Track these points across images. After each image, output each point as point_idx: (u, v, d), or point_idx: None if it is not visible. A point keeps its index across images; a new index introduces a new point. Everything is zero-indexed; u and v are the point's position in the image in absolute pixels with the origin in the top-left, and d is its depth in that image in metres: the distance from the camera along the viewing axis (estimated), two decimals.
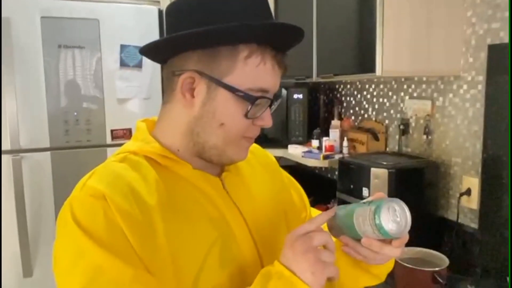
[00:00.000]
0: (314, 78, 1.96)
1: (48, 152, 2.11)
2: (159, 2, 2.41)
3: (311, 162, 2.07)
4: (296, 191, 0.91)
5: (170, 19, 0.69)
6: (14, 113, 2.03)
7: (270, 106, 0.68)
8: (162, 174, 0.67)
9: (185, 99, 0.67)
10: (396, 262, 1.22)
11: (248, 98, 0.64)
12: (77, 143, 2.12)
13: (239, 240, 0.69)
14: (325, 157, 2.03)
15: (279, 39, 0.66)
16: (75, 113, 2.13)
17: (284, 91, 2.38)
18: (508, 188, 1.35)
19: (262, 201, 0.77)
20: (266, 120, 0.68)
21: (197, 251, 0.64)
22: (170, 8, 0.69)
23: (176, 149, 0.69)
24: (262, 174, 0.83)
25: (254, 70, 0.64)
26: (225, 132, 0.67)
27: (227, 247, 0.67)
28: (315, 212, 0.93)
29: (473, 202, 1.50)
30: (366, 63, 1.55)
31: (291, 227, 0.83)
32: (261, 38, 0.64)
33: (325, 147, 2.14)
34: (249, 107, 0.64)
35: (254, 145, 0.90)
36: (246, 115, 0.65)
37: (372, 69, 1.49)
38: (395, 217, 0.59)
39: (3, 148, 2.04)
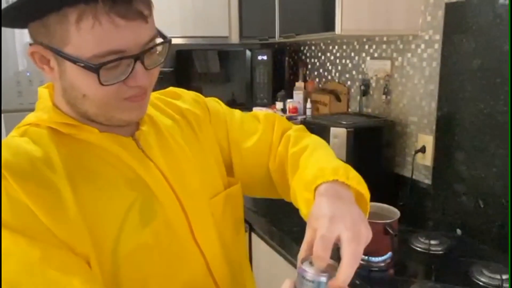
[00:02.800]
0: (277, 38, 1.93)
1: (1, 115, 2.04)
2: None
3: None
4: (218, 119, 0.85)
5: None
6: None
7: (142, 61, 0.59)
8: (67, 144, 0.63)
9: (45, 72, 0.62)
10: None
11: (90, 68, 0.56)
12: (30, 105, 2.03)
13: (159, 197, 0.68)
14: (289, 119, 2.03)
15: None
16: (28, 73, 2.04)
17: (248, 53, 2.36)
18: (459, 146, 1.41)
19: (183, 154, 0.74)
20: (138, 79, 0.60)
21: (114, 214, 0.63)
22: None
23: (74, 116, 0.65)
24: (184, 125, 0.79)
25: (91, 33, 0.55)
26: (92, 101, 0.61)
27: (148, 206, 0.66)
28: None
29: (427, 159, 1.55)
30: (327, 22, 1.54)
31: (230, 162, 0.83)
32: None
33: (289, 109, 2.16)
34: (97, 76, 0.57)
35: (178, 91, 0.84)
36: (102, 84, 0.57)
37: (332, 28, 1.49)
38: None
39: None
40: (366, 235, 0.57)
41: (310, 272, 0.53)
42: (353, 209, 0.61)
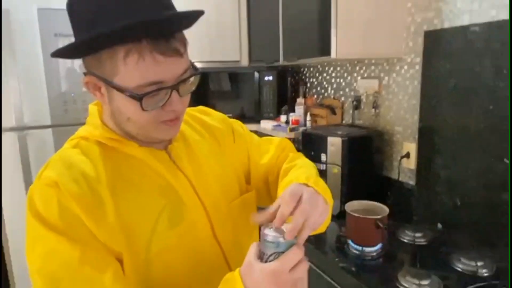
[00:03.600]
0: (281, 62, 1.97)
1: (50, 129, 2.10)
2: None
3: (280, 134, 2.11)
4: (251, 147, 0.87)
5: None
6: (17, 95, 1.99)
7: (177, 90, 0.61)
8: (111, 156, 0.66)
9: (97, 97, 0.64)
10: (346, 212, 1.29)
11: (134, 97, 0.58)
12: (75, 120, 2.11)
13: (186, 202, 0.69)
14: (291, 130, 2.07)
15: (152, 31, 0.56)
16: (73, 94, 2.10)
17: (256, 74, 2.39)
18: (439, 152, 1.42)
19: (208, 165, 0.76)
20: (174, 105, 0.61)
21: (148, 218, 0.65)
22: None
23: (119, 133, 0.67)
24: (210, 139, 0.81)
25: (135, 67, 0.56)
26: (134, 123, 0.63)
27: (176, 210, 0.68)
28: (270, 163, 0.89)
29: (411, 163, 1.56)
30: (324, 48, 1.57)
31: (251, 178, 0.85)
32: (129, 37, 0.56)
33: (292, 121, 2.18)
34: (140, 103, 0.58)
35: (210, 112, 0.86)
36: (144, 109, 0.59)
37: (328, 53, 1.52)
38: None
39: (9, 126, 2.01)
40: (314, 215, 0.61)
41: (270, 235, 0.57)
42: (316, 195, 0.64)
